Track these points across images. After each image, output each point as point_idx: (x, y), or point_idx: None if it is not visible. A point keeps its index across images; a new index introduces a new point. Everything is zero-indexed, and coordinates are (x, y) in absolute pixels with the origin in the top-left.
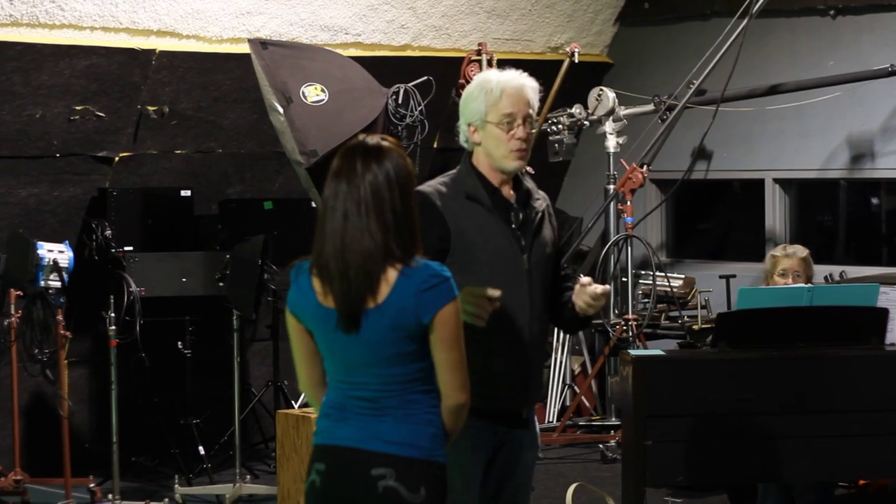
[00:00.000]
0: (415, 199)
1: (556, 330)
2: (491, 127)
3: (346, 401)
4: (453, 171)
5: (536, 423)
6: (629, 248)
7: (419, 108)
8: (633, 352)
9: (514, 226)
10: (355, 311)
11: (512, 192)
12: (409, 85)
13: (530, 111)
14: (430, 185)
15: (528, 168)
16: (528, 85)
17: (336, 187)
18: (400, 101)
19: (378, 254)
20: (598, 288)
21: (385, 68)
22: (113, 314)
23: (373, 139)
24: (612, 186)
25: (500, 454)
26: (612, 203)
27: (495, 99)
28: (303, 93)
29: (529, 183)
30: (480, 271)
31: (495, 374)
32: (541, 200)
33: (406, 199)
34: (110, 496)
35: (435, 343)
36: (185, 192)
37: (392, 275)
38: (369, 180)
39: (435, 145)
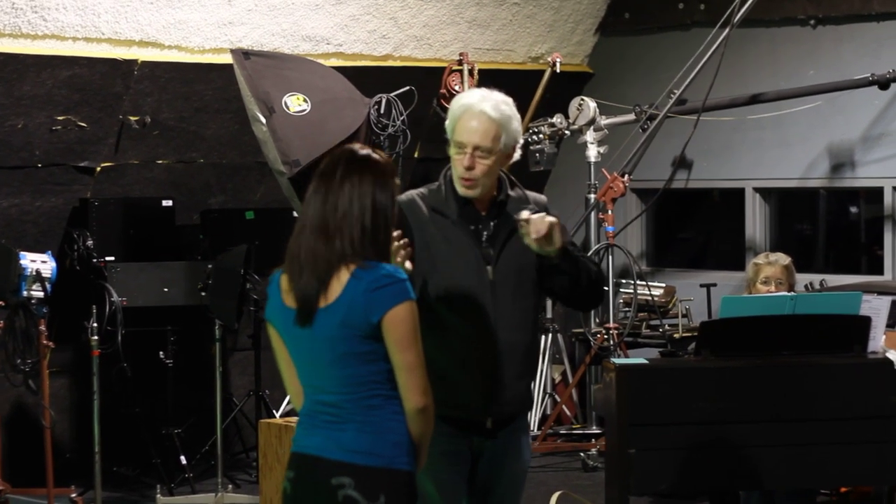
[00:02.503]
0: (390, 213)
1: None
2: (452, 148)
3: (313, 407)
4: (435, 182)
5: (527, 436)
6: (610, 257)
7: (401, 118)
8: (616, 360)
9: (483, 238)
10: (307, 308)
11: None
12: (391, 95)
13: (481, 143)
14: (409, 194)
15: (524, 213)
16: (488, 114)
17: (315, 189)
18: (382, 111)
19: (332, 259)
20: (523, 214)
21: (367, 78)
22: (95, 324)
23: (363, 150)
24: (593, 196)
25: (480, 464)
26: (592, 212)
27: (453, 123)
28: (285, 103)
29: (515, 192)
30: (440, 281)
31: (456, 383)
32: (526, 208)
33: (377, 214)
34: None
35: (389, 344)
36: (167, 202)
37: (345, 276)
38: (346, 189)
39: (416, 155)
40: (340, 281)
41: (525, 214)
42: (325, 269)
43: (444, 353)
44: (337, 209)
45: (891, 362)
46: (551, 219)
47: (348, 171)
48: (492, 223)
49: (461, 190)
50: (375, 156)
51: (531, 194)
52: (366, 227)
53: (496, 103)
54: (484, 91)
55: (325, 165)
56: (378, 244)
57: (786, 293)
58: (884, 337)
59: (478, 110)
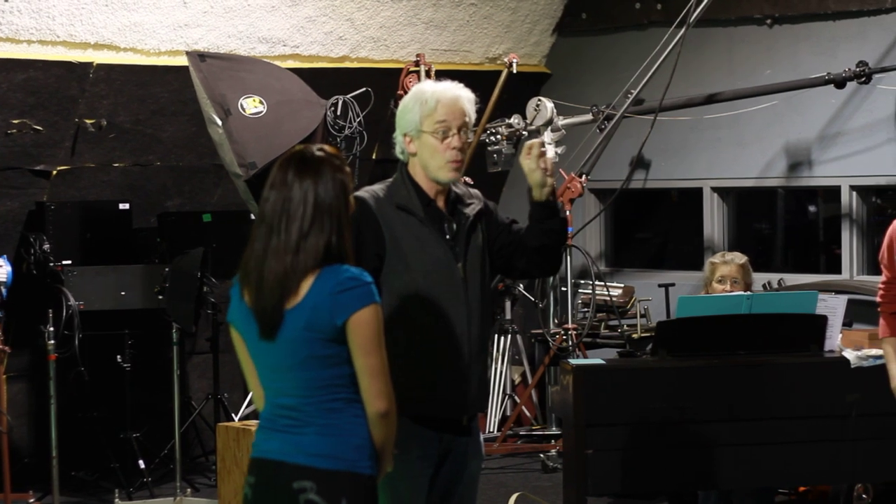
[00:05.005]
0: (343, 211)
1: (495, 339)
2: (426, 136)
3: (273, 410)
4: (391, 178)
5: (480, 432)
6: (568, 258)
7: (358, 120)
8: (573, 361)
9: (448, 236)
10: (270, 319)
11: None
12: (348, 96)
13: (466, 120)
14: (369, 191)
15: (467, 178)
16: (464, 96)
17: (267, 197)
18: (338, 113)
19: (289, 268)
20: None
21: (323, 80)
22: (52, 328)
23: (310, 150)
24: None
25: (447, 463)
26: None
27: (430, 109)
28: (241, 105)
29: (459, 188)
30: (416, 279)
31: (435, 381)
32: (473, 204)
33: (322, 213)
34: None
35: (352, 347)
36: (124, 206)
37: (309, 279)
38: (296, 195)
39: (374, 156)
40: (305, 285)
41: (538, 140)
42: (284, 284)
43: (423, 352)
44: (292, 216)
45: (847, 361)
46: (552, 155)
47: (299, 175)
48: (454, 222)
49: (448, 175)
50: (323, 153)
51: (469, 189)
52: (322, 228)
53: (460, 85)
54: (433, 81)
55: (275, 172)
56: (333, 243)
57: (742, 293)
58: (840, 336)
59: (454, 93)
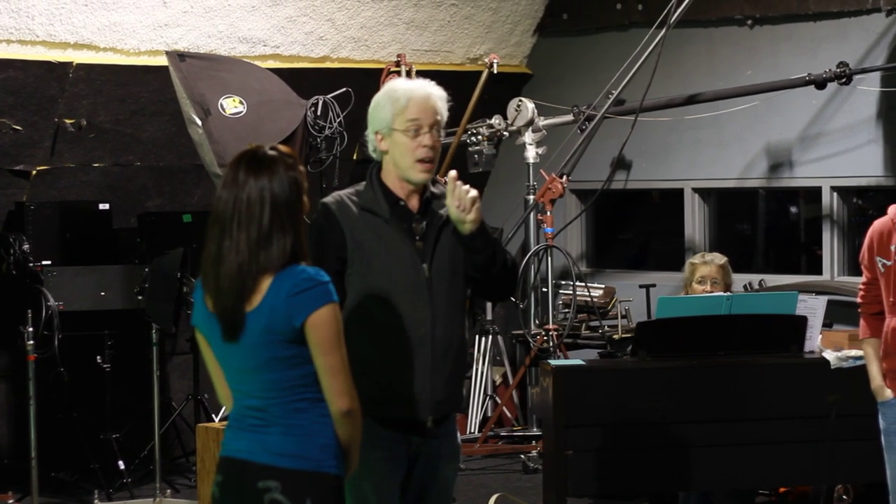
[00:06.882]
0: (298, 210)
1: (477, 339)
2: (397, 135)
3: (241, 411)
4: (363, 182)
5: (458, 435)
6: (549, 259)
7: (338, 120)
8: (553, 362)
9: (417, 237)
10: (231, 320)
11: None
12: (328, 97)
13: (438, 118)
14: (337, 195)
15: (453, 172)
16: (435, 94)
17: (218, 197)
18: (319, 113)
19: (245, 268)
20: (464, 188)
21: (304, 80)
22: (31, 329)
23: (262, 149)
24: (531, 197)
25: (417, 466)
26: (531, 213)
27: (401, 107)
28: (221, 105)
29: (437, 188)
30: (378, 280)
31: (396, 382)
32: (453, 171)
33: (280, 212)
34: None
35: (312, 347)
36: (104, 206)
37: (266, 282)
38: (245, 195)
39: (354, 157)
40: (262, 287)
41: (454, 174)
42: (239, 283)
43: (383, 353)
44: (240, 216)
45: (827, 362)
46: (474, 194)
47: (247, 175)
48: (424, 221)
49: (418, 176)
50: (273, 153)
51: None
52: (264, 226)
53: (432, 83)
54: (405, 79)
55: (225, 172)
56: (286, 241)
57: (722, 293)
58: (820, 336)
59: (426, 91)
